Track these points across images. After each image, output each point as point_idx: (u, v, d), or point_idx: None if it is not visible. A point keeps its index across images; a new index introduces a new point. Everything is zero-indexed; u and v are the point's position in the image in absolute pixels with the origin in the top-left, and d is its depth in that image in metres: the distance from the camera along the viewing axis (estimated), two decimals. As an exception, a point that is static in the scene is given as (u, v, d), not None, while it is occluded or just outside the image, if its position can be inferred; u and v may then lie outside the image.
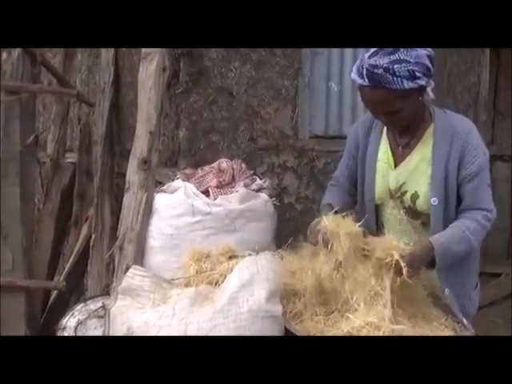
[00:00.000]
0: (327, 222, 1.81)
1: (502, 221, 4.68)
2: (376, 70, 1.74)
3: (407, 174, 1.96)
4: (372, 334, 1.64)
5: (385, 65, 1.74)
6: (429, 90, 1.87)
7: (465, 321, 1.93)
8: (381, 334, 1.64)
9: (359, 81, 1.80)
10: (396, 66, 1.74)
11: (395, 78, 1.74)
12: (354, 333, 1.66)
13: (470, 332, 1.89)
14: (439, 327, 1.80)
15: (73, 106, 3.49)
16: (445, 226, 1.92)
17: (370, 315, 1.68)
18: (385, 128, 2.01)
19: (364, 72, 1.77)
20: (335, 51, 3.43)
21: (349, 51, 3.43)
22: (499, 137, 4.67)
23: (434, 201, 1.91)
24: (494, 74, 4.49)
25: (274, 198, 2.51)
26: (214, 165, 2.58)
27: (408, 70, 1.74)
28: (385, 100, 1.79)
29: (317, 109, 3.40)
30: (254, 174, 2.75)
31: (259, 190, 2.48)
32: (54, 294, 2.96)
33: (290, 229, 3.17)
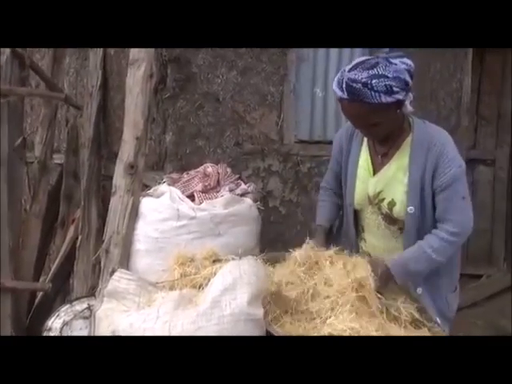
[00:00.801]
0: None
1: (484, 223, 4.77)
2: (355, 85, 1.78)
3: (385, 182, 2.01)
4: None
5: (363, 79, 1.77)
6: (407, 103, 1.90)
7: (438, 320, 1.99)
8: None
9: (339, 93, 1.84)
10: (374, 81, 1.77)
11: (373, 93, 1.77)
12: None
13: (441, 330, 1.94)
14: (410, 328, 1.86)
15: (61, 108, 3.50)
16: (420, 233, 1.97)
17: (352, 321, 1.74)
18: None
19: (344, 86, 1.80)
20: (320, 58, 3.48)
21: (334, 58, 3.49)
22: (482, 141, 4.75)
23: (411, 209, 1.96)
24: (477, 79, 4.56)
25: (258, 202, 2.54)
26: (200, 169, 2.62)
27: (386, 85, 1.78)
28: (362, 114, 1.83)
29: (302, 114, 3.45)
30: (240, 178, 2.79)
31: (244, 194, 2.52)
32: (40, 295, 2.97)
33: (274, 232, 3.23)
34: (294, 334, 1.77)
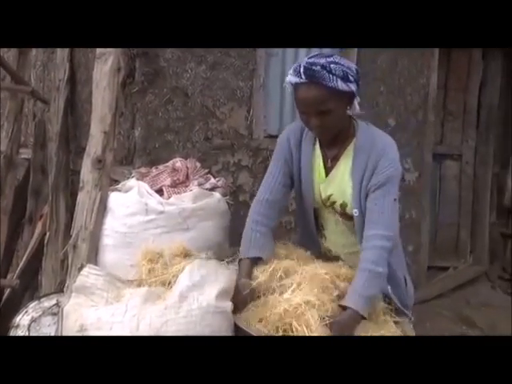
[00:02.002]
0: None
1: (450, 216, 4.88)
2: (313, 67, 1.82)
3: (334, 185, 2.04)
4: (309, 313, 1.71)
5: (322, 63, 1.83)
6: (356, 102, 1.94)
7: (407, 311, 2.07)
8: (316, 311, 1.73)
9: (295, 79, 1.86)
10: (332, 65, 1.83)
11: (331, 76, 1.82)
12: (291, 310, 1.72)
13: (410, 322, 2.03)
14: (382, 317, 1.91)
15: (27, 101, 3.46)
16: None
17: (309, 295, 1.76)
18: (317, 140, 2.06)
19: (301, 70, 1.83)
20: (289, 52, 3.51)
21: (303, 52, 3.52)
22: (449, 136, 4.84)
23: (356, 212, 1.99)
24: (444, 75, 4.65)
25: (227, 197, 2.55)
26: (169, 164, 2.60)
27: (343, 71, 1.84)
28: (318, 96, 1.84)
29: (271, 109, 3.48)
30: (209, 172, 2.79)
31: (213, 188, 2.51)
32: (8, 291, 2.95)
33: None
34: (251, 319, 1.78)
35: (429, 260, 4.59)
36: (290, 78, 1.89)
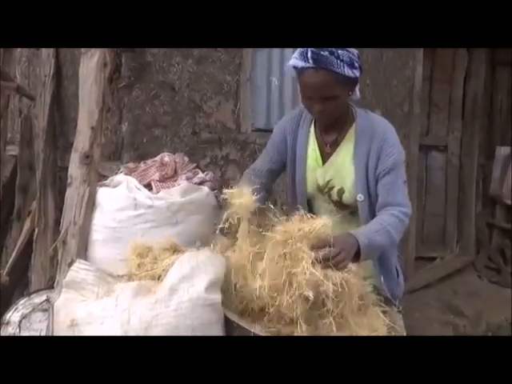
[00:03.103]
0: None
1: (437, 207, 4.93)
2: (322, 52, 1.83)
3: (333, 171, 2.06)
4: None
5: (330, 49, 1.83)
6: (357, 88, 1.97)
7: (396, 302, 2.04)
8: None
9: (301, 64, 1.85)
10: (340, 51, 1.84)
11: (339, 61, 1.83)
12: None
13: (399, 312, 2.00)
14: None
15: (13, 98, 3.44)
16: (372, 215, 2.02)
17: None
18: (312, 126, 2.09)
19: (309, 54, 1.83)
20: (276, 46, 3.52)
21: (289, 46, 3.53)
22: (435, 128, 4.89)
23: (360, 197, 2.02)
24: (430, 67, 4.69)
25: (216, 191, 2.56)
26: (157, 158, 2.60)
27: (349, 57, 1.85)
28: (325, 82, 1.85)
29: (258, 103, 3.50)
30: (197, 167, 2.80)
31: (201, 182, 2.52)
32: (-3, 288, 2.94)
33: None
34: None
35: (416, 250, 4.65)
36: (296, 61, 1.88)
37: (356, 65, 1.89)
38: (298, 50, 1.89)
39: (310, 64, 1.84)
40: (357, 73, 1.90)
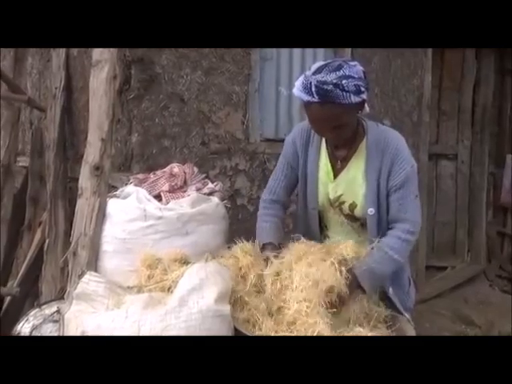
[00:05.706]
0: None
1: (447, 216, 4.90)
2: (325, 86, 1.78)
3: (344, 185, 2.05)
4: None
5: (334, 80, 1.78)
6: (366, 104, 1.94)
7: (407, 315, 2.05)
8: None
9: (307, 98, 1.82)
10: (344, 81, 1.79)
11: (344, 93, 1.79)
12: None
13: (411, 324, 2.02)
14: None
15: (24, 110, 3.47)
16: (381, 227, 2.02)
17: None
18: (323, 141, 2.08)
19: (313, 89, 1.79)
20: (284, 56, 3.54)
21: (297, 56, 3.55)
22: (444, 136, 4.87)
23: (371, 211, 2.01)
24: (438, 75, 4.68)
25: (225, 201, 2.56)
26: (166, 169, 2.61)
27: (355, 85, 1.80)
28: (333, 115, 1.83)
29: (267, 113, 3.51)
30: (207, 177, 2.80)
31: (211, 193, 2.52)
32: (8, 299, 2.95)
33: (243, 230, 3.26)
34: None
35: (426, 260, 4.62)
36: (301, 94, 1.84)
37: (362, 89, 1.84)
38: (301, 80, 1.84)
39: (316, 99, 1.80)
40: (364, 96, 1.86)
